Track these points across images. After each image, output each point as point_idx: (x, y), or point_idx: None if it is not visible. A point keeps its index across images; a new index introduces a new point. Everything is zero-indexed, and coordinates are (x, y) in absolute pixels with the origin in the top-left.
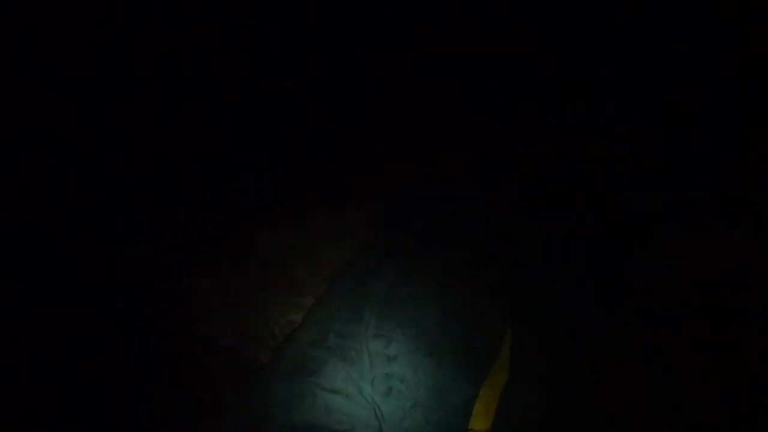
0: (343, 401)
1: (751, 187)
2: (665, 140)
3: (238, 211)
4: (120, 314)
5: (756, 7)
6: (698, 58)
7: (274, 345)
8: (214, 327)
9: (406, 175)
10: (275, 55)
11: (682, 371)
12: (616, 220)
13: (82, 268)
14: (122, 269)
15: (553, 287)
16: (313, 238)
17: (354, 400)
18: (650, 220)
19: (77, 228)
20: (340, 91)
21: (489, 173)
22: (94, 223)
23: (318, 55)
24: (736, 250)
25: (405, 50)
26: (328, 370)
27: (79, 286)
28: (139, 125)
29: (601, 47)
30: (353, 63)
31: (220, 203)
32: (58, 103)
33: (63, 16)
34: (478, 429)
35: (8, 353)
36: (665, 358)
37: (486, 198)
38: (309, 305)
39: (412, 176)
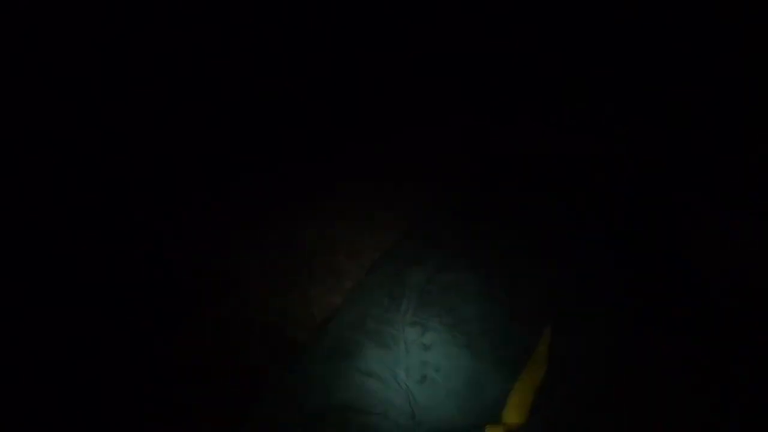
0: (377, 385)
1: (751, 187)
2: (665, 140)
3: (239, 210)
4: (120, 314)
5: (756, 7)
6: (698, 58)
7: (314, 326)
8: (258, 308)
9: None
10: (275, 55)
11: (683, 371)
12: (616, 220)
13: (82, 269)
14: (122, 269)
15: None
16: (353, 229)
17: (388, 385)
18: (650, 220)
19: (77, 228)
20: (340, 91)
21: (489, 173)
22: (94, 223)
23: (318, 56)
24: (736, 250)
25: (405, 50)
26: (365, 354)
27: (79, 286)
28: (139, 125)
29: (601, 47)
30: (353, 63)
31: (220, 203)
32: (58, 103)
33: (63, 15)
34: (511, 423)
35: (8, 353)
36: (666, 357)
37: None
38: (348, 290)
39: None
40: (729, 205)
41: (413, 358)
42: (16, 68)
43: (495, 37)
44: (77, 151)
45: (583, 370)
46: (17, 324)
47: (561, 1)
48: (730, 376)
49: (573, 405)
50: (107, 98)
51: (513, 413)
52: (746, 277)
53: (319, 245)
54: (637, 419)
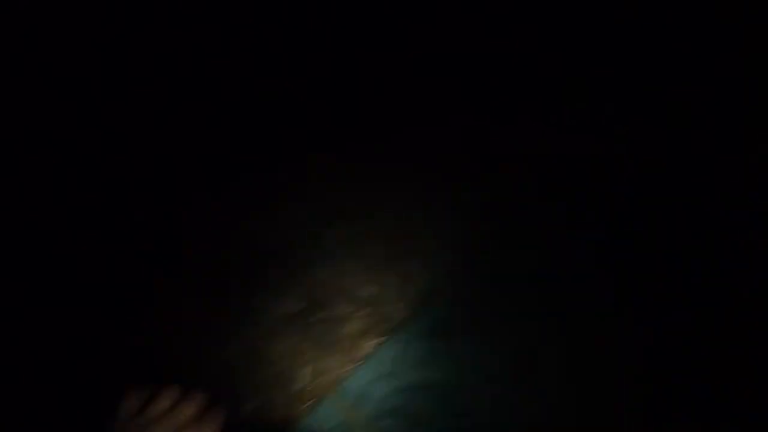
0: (473, 368)
1: (751, 187)
2: (665, 140)
3: (239, 209)
4: (119, 313)
5: (756, 6)
6: (698, 58)
7: (413, 303)
8: (357, 281)
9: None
10: (275, 55)
11: (683, 371)
12: (616, 219)
13: (82, 268)
14: (122, 269)
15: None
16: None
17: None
18: (650, 220)
19: (77, 228)
20: (340, 91)
21: (489, 173)
22: (94, 223)
23: (318, 55)
24: (736, 249)
25: (405, 50)
26: (463, 336)
27: (79, 285)
28: (138, 125)
29: (601, 47)
30: (353, 63)
31: (221, 203)
32: (58, 104)
33: (63, 16)
34: None
35: (8, 353)
36: (667, 357)
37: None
38: (450, 271)
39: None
40: (729, 205)
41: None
42: (16, 68)
43: (495, 37)
44: (77, 150)
45: (580, 370)
46: (17, 323)
47: (561, 1)
48: (730, 378)
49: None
50: (107, 98)
51: None
52: (746, 276)
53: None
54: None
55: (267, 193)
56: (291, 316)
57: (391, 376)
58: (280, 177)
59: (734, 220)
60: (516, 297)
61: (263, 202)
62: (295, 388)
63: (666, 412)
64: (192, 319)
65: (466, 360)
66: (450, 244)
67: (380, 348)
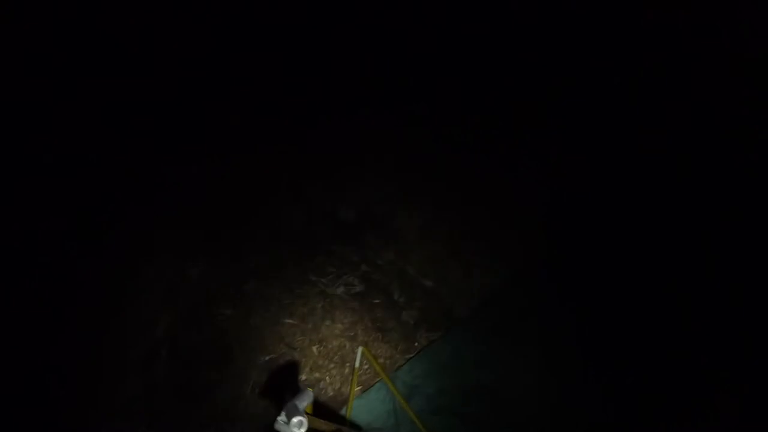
0: (529, 373)
1: (751, 187)
2: (665, 139)
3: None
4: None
5: (756, 6)
6: (698, 58)
7: (472, 302)
8: (420, 270)
9: None
10: (275, 54)
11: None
12: (617, 219)
13: (81, 268)
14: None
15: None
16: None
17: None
18: (650, 219)
19: (77, 228)
20: (339, 90)
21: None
22: (94, 224)
23: (317, 56)
24: (736, 249)
25: (404, 50)
26: (522, 342)
27: (78, 286)
28: (139, 124)
29: (601, 47)
30: (353, 62)
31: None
32: (58, 103)
33: (63, 15)
34: None
35: (8, 353)
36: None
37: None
38: (511, 274)
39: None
40: (729, 205)
41: None
42: (17, 67)
43: (495, 36)
44: (77, 150)
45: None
46: (16, 323)
47: (561, 0)
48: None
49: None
50: (108, 97)
51: None
52: (746, 276)
53: None
54: None
55: (338, 167)
56: (349, 297)
57: (443, 373)
58: (352, 148)
59: (734, 219)
60: (581, 307)
61: (334, 173)
62: (347, 370)
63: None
64: (253, 283)
65: (521, 366)
66: (518, 247)
67: (435, 343)
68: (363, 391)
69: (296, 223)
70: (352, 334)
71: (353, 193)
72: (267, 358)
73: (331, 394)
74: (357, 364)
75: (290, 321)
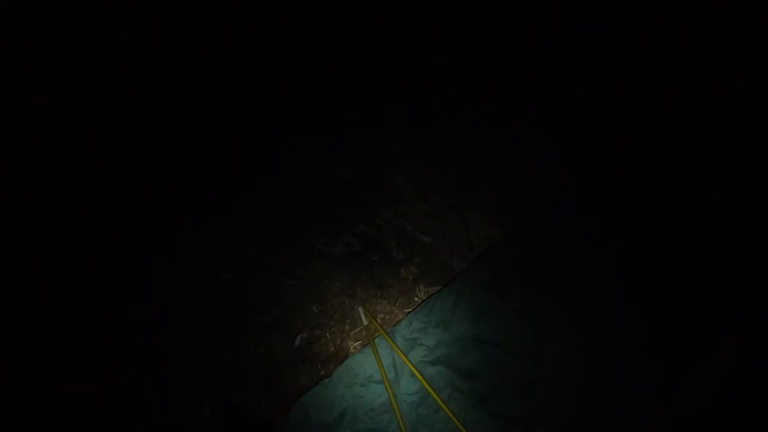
0: (529, 326)
1: (751, 184)
2: (664, 138)
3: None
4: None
5: (756, 7)
6: (698, 58)
7: (471, 255)
8: (417, 226)
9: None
10: (274, 54)
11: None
12: (618, 219)
13: (81, 267)
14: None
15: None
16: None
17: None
18: (650, 219)
19: (77, 227)
20: (340, 91)
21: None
22: (94, 222)
23: (318, 55)
24: (736, 249)
25: (404, 50)
26: (520, 292)
27: (80, 285)
28: (138, 125)
29: (601, 47)
30: (353, 63)
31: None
32: (59, 103)
33: (63, 15)
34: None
35: (8, 352)
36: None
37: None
38: (511, 226)
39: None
40: (729, 205)
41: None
42: (16, 67)
43: (495, 36)
44: (77, 150)
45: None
46: (17, 323)
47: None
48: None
49: None
50: (107, 98)
51: None
52: (746, 275)
53: None
54: None
55: (333, 127)
56: (348, 255)
57: (442, 326)
58: (348, 111)
59: (734, 219)
60: (578, 260)
61: (329, 133)
62: (347, 326)
63: None
64: (252, 247)
65: (519, 318)
66: (518, 196)
67: (434, 297)
68: (363, 346)
69: (293, 185)
70: (351, 291)
71: (349, 153)
72: (269, 319)
73: (332, 350)
74: (365, 322)
75: (290, 282)
